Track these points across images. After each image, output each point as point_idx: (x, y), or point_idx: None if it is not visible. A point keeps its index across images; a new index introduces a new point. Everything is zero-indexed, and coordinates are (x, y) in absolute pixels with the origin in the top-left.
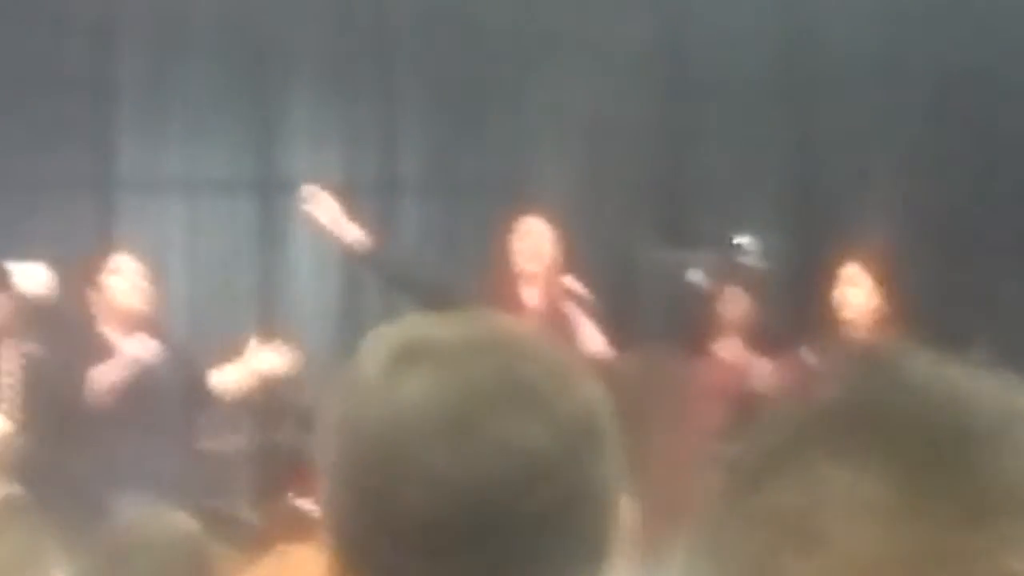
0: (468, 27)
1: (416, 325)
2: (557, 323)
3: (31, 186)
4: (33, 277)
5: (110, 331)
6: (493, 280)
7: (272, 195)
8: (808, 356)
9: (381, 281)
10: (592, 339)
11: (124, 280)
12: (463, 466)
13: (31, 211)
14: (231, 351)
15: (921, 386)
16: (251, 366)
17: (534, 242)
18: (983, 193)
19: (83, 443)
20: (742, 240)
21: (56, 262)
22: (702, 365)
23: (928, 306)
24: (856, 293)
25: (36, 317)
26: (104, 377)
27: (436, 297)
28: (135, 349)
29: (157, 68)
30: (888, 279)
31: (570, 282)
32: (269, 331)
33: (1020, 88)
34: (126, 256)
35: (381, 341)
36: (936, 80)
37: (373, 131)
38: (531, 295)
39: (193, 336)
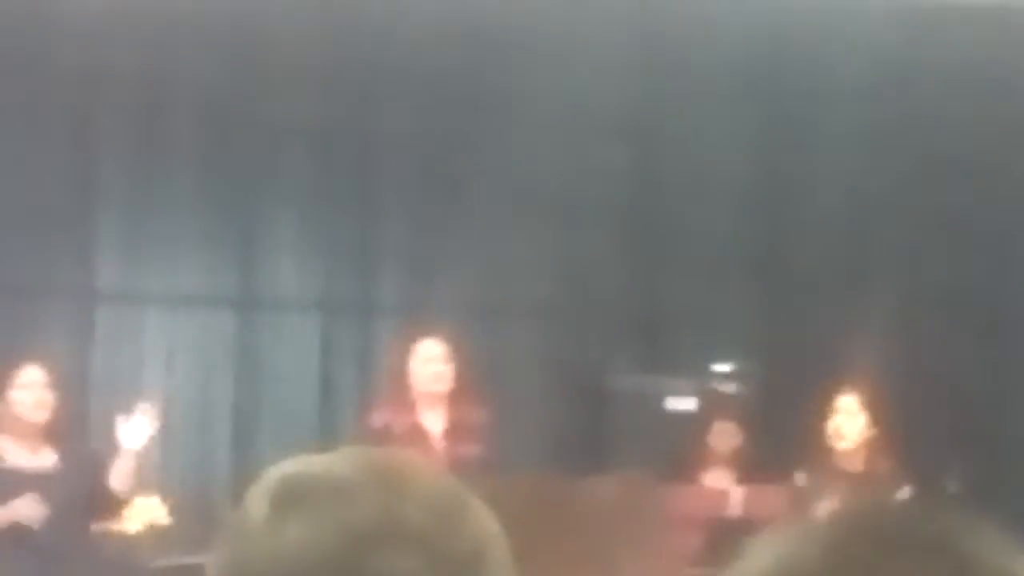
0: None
1: (300, 464)
2: (459, 445)
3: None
4: None
5: (10, 443)
6: (389, 402)
7: (250, 311)
8: (801, 481)
9: None
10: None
11: (30, 393)
12: None
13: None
14: None
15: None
16: None
17: (436, 365)
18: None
19: None
20: (720, 367)
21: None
22: (685, 492)
23: (911, 437)
24: (849, 423)
25: None
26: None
27: None
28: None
29: (138, 182)
30: (879, 410)
31: (472, 406)
32: (245, 445)
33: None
34: (34, 367)
35: (264, 482)
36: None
37: (353, 249)
38: (432, 419)
39: (167, 448)
